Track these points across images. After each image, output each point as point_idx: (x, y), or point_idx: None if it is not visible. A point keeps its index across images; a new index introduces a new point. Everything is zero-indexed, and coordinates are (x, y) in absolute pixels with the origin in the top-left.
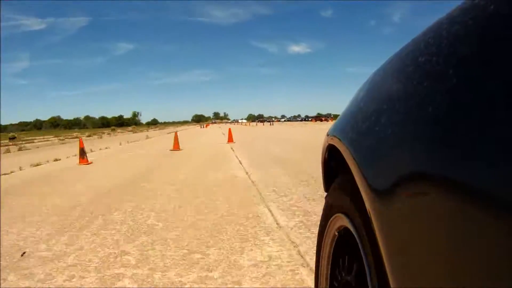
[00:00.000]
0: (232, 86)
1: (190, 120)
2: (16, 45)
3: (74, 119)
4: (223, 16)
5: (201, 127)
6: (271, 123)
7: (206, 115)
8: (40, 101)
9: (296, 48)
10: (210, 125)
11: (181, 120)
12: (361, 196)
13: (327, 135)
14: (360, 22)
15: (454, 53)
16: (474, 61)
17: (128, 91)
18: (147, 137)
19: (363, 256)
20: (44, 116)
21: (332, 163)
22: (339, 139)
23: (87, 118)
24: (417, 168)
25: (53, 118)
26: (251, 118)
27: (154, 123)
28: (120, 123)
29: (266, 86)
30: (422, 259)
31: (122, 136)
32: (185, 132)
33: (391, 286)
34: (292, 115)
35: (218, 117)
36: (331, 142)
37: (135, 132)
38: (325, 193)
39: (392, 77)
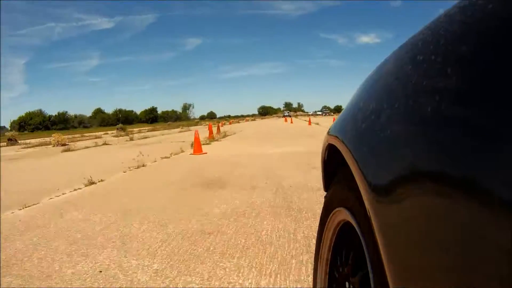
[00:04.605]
0: (302, 77)
1: (256, 112)
2: (86, 44)
3: (59, 114)
4: (291, 8)
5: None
6: None
7: (275, 107)
8: (112, 96)
9: (365, 39)
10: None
11: (246, 113)
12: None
13: (327, 134)
14: (429, 11)
15: (453, 52)
16: (472, 60)
17: (197, 85)
18: None
19: (365, 250)
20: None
21: (332, 163)
22: (339, 138)
23: (98, 111)
24: (416, 168)
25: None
26: (330, 111)
27: (211, 116)
28: (151, 117)
29: (337, 77)
30: (421, 259)
31: None
32: None
33: (390, 285)
34: None
35: (290, 108)
36: (331, 142)
37: None
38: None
39: (391, 76)
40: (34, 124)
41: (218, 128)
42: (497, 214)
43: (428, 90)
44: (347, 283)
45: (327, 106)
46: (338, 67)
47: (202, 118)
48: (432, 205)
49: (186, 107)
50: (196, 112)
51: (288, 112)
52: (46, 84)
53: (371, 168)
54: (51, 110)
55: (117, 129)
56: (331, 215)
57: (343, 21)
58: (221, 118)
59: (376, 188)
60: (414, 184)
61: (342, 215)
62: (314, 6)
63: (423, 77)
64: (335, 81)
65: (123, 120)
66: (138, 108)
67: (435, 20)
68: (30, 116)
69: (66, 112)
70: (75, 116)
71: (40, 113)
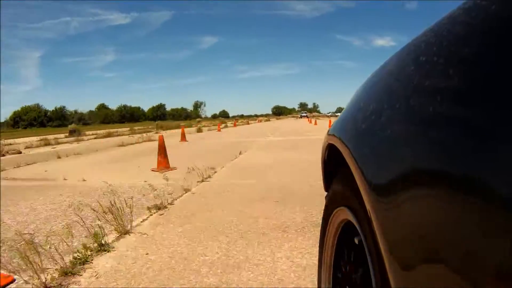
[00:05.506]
0: (317, 79)
1: (270, 112)
2: (102, 39)
3: (56, 109)
4: (306, 9)
5: None
6: None
7: (290, 107)
8: (125, 94)
9: (380, 42)
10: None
11: (260, 113)
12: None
13: (327, 134)
14: (443, 14)
15: (455, 53)
16: (475, 61)
17: (211, 84)
18: None
19: (366, 249)
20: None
21: (332, 163)
22: (339, 138)
23: (101, 107)
24: (416, 167)
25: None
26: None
27: (223, 115)
28: (159, 115)
29: (352, 79)
30: (422, 258)
31: None
32: None
33: (391, 285)
34: None
35: (305, 109)
36: (331, 142)
37: None
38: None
39: (393, 76)
40: (28, 120)
41: (162, 150)
42: (497, 213)
43: (430, 91)
44: (351, 281)
45: (342, 107)
46: (353, 69)
47: (214, 116)
48: (431, 204)
49: (197, 105)
50: (208, 111)
51: (306, 112)
52: (60, 78)
53: (371, 168)
54: (63, 105)
55: (70, 131)
56: (331, 216)
57: (359, 23)
58: (233, 117)
59: (376, 188)
60: (414, 184)
61: (343, 215)
62: (330, 7)
63: (425, 78)
64: (350, 83)
65: (129, 117)
66: (151, 105)
67: (438, 22)
68: (25, 111)
69: (64, 107)
70: (75, 112)
71: (36, 107)
